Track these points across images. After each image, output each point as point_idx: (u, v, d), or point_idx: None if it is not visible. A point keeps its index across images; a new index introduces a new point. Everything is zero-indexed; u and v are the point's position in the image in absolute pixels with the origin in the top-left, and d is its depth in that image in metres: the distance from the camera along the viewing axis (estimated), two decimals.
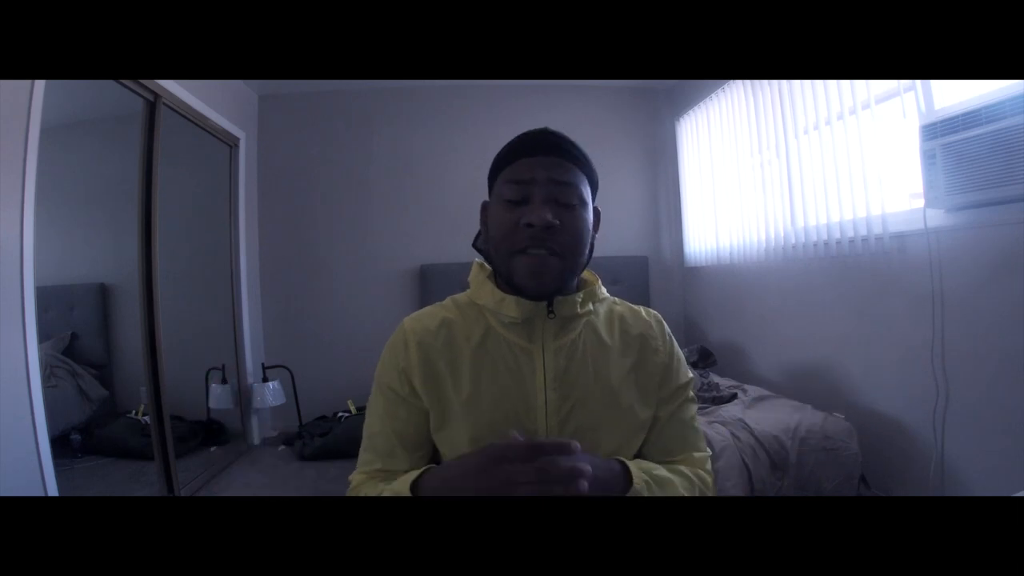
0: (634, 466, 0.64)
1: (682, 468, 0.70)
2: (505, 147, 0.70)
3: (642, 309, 0.77)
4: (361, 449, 0.73)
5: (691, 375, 0.77)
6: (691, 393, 0.76)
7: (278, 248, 3.26)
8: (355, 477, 0.72)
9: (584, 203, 0.67)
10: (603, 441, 0.68)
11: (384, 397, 0.71)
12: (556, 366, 0.68)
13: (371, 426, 0.72)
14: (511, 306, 0.67)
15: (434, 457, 0.74)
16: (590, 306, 0.70)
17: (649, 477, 0.63)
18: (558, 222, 0.63)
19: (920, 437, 1.73)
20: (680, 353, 0.76)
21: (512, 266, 0.66)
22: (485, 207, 0.74)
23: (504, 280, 0.69)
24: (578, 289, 0.73)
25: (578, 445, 0.55)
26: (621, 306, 0.77)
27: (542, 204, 0.64)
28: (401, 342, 0.71)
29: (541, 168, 0.65)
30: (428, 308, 0.75)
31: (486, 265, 0.75)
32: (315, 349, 3.24)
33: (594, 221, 0.71)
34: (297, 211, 3.28)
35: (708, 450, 0.76)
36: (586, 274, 0.75)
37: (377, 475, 0.70)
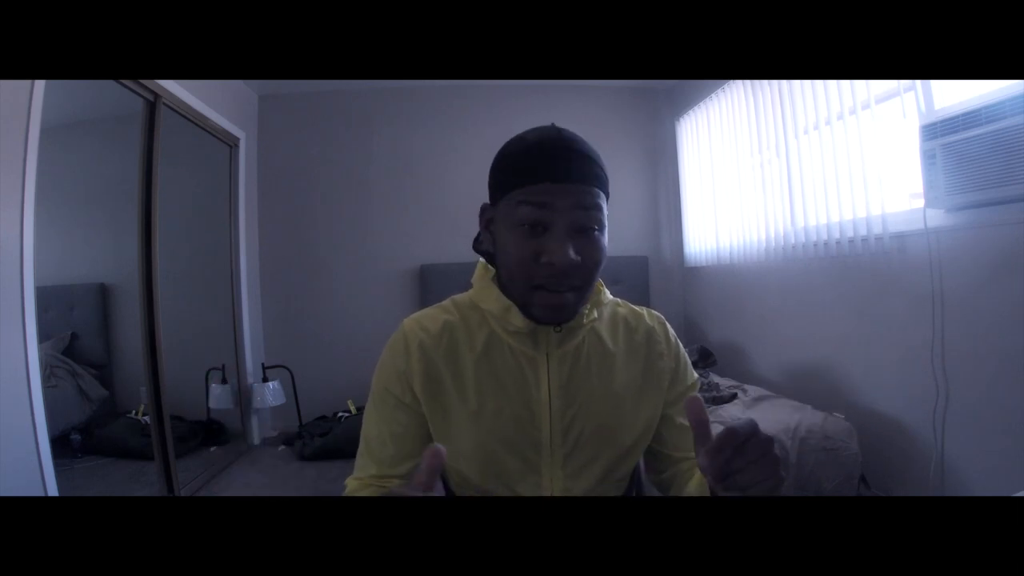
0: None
1: None
2: (516, 157, 0.63)
3: (645, 311, 0.76)
4: (358, 453, 0.71)
5: (696, 376, 0.76)
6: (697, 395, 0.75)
7: (278, 248, 3.26)
8: (350, 483, 0.70)
9: (604, 226, 0.62)
10: (607, 448, 0.68)
11: (383, 401, 0.69)
12: (560, 374, 0.67)
13: (368, 430, 0.70)
14: (517, 316, 0.65)
15: None
16: (595, 313, 0.69)
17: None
18: (579, 258, 0.59)
19: (920, 437, 1.73)
20: (685, 355, 0.76)
21: (528, 299, 0.63)
22: (486, 211, 0.69)
23: (517, 306, 0.66)
24: None
25: None
26: (624, 308, 0.76)
27: (564, 237, 0.59)
28: (402, 345, 0.69)
29: (563, 195, 0.59)
30: (429, 310, 0.73)
31: (491, 267, 0.73)
32: (315, 349, 3.24)
33: None
34: (297, 211, 3.28)
35: None
36: None
37: (373, 481, 0.68)
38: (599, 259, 0.62)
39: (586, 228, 0.60)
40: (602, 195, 0.62)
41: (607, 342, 0.71)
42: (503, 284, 0.69)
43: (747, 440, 0.47)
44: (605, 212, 0.63)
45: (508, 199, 0.62)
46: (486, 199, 0.71)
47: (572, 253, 0.58)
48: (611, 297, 0.75)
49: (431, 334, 0.69)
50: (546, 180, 0.59)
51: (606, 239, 0.64)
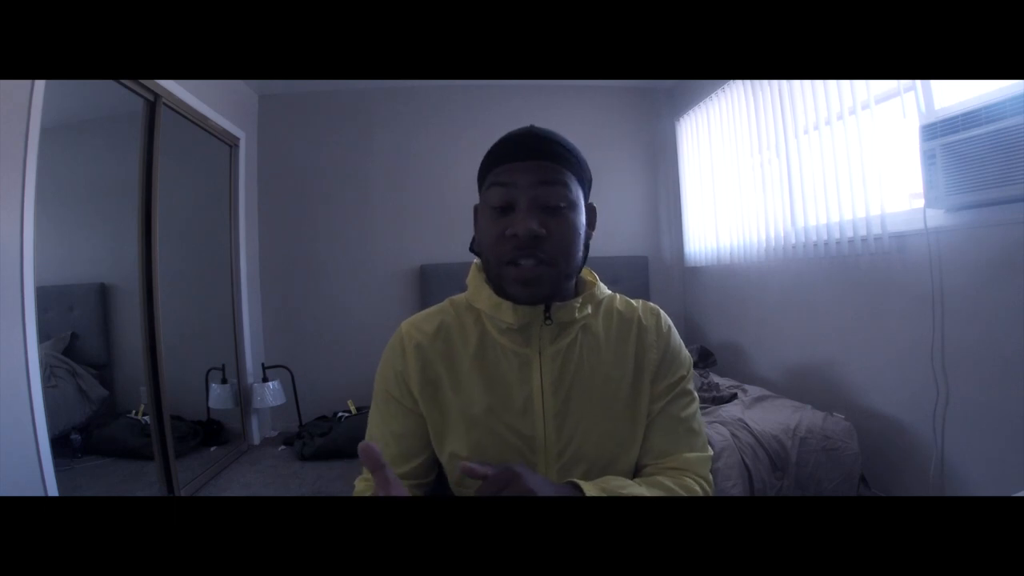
0: (592, 487, 0.59)
1: (662, 479, 0.66)
2: (490, 149, 0.68)
3: (639, 304, 0.75)
4: None
5: (686, 370, 0.72)
6: (687, 387, 0.72)
7: (278, 248, 3.26)
8: (359, 484, 0.71)
9: (573, 204, 0.64)
10: (602, 445, 0.67)
11: (384, 402, 0.71)
12: (553, 371, 0.67)
13: (372, 431, 0.72)
14: (507, 312, 0.66)
15: (435, 465, 0.73)
16: (587, 309, 0.69)
17: (610, 495, 0.59)
18: (544, 231, 0.61)
19: (920, 437, 1.73)
20: (678, 346, 0.73)
21: (502, 275, 0.64)
22: (476, 210, 0.72)
23: (499, 292, 0.68)
24: (577, 292, 0.71)
25: (521, 473, 0.55)
26: (620, 303, 0.75)
27: (527, 212, 0.62)
28: (399, 347, 0.70)
29: (525, 172, 0.63)
30: (426, 311, 0.74)
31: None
32: (315, 349, 3.24)
33: (589, 219, 0.69)
34: (297, 211, 3.28)
35: (708, 450, 0.72)
36: (586, 274, 0.74)
37: None
38: (567, 234, 0.64)
39: (551, 205, 0.63)
40: (569, 174, 0.65)
41: (600, 337, 0.70)
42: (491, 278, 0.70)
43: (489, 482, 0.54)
44: (575, 191, 0.65)
45: (484, 188, 0.67)
46: (478, 202, 0.72)
47: (535, 225, 0.61)
48: (607, 292, 0.74)
49: (427, 335, 0.70)
50: (510, 160, 0.64)
51: (581, 217, 0.66)
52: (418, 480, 0.71)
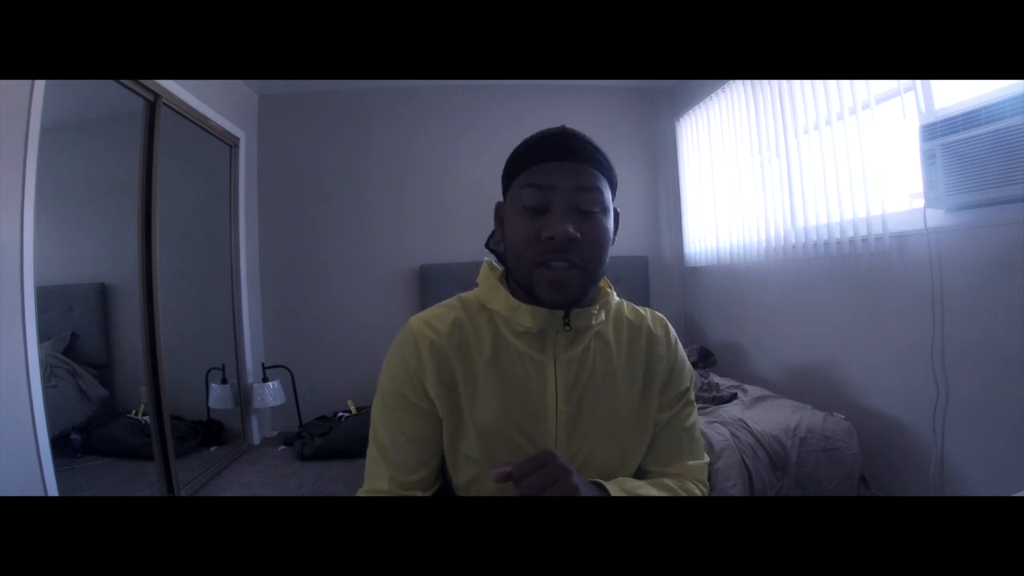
0: (614, 486, 0.62)
1: (667, 482, 0.68)
2: (522, 147, 0.66)
3: (648, 313, 0.75)
4: (368, 460, 0.69)
5: (690, 381, 0.74)
6: (691, 397, 0.74)
7: (278, 248, 3.26)
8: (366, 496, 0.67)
9: (606, 210, 0.64)
10: (611, 451, 0.68)
11: (396, 405, 0.66)
12: (568, 378, 0.66)
13: (380, 436, 0.67)
14: (526, 316, 0.64)
15: (441, 473, 0.71)
16: (602, 315, 0.68)
17: (628, 496, 0.62)
18: (579, 235, 0.60)
19: (920, 437, 1.73)
20: (683, 358, 0.75)
21: (532, 278, 0.62)
22: (500, 208, 0.70)
23: (523, 290, 0.66)
24: (593, 300, 0.70)
25: (569, 469, 0.57)
26: (628, 310, 0.75)
27: (563, 214, 0.60)
28: (411, 345, 0.66)
29: (562, 174, 0.61)
30: (435, 308, 0.71)
31: (497, 266, 0.72)
32: (315, 349, 3.24)
33: (614, 224, 0.67)
34: (297, 211, 3.28)
35: (706, 457, 0.75)
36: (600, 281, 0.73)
37: (392, 491, 0.66)
38: (600, 239, 0.63)
39: (587, 210, 0.62)
40: (603, 179, 0.64)
41: (612, 345, 0.71)
42: (510, 281, 0.69)
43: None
44: (607, 196, 0.65)
45: (514, 187, 0.65)
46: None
47: (571, 228, 0.60)
48: (617, 298, 0.74)
49: (441, 333, 0.67)
50: (547, 160, 0.62)
51: (610, 222, 0.65)
52: (425, 491, 0.68)
